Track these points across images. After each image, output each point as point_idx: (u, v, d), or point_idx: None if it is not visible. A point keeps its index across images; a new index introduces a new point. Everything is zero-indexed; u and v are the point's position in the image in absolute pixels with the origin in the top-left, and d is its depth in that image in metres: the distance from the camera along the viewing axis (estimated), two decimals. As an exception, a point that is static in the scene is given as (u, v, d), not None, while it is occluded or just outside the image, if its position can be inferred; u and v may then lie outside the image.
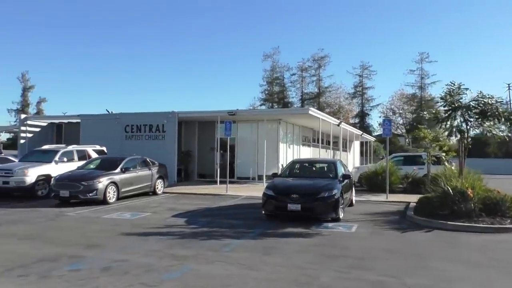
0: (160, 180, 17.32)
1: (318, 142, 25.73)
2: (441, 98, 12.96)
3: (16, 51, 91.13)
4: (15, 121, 57.09)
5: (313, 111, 21.70)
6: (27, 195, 15.39)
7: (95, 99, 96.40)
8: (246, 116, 23.26)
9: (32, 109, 65.37)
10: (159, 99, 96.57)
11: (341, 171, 12.67)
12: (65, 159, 17.00)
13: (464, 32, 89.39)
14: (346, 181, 12.13)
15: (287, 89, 66.68)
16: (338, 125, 25.39)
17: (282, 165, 21.68)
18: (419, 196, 13.62)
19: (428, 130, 18.31)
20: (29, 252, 7.54)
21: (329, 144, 26.68)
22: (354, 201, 14.13)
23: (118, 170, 15.00)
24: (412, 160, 20.91)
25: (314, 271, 6.44)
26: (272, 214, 11.18)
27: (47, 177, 15.69)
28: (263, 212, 11.30)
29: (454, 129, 13.03)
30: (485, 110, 12.15)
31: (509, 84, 62.14)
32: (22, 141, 24.96)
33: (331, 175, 12.25)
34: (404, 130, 62.50)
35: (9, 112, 66.27)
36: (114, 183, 14.47)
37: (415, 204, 12.92)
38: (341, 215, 11.07)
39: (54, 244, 8.19)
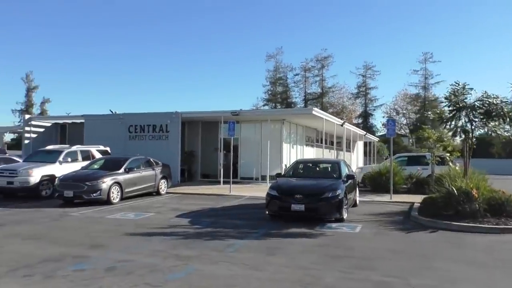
0: (164, 180, 17.34)
1: (321, 142, 25.70)
2: (446, 98, 12.92)
3: (20, 51, 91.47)
4: (19, 122, 57.23)
5: (316, 111, 21.69)
6: (31, 195, 15.44)
7: (98, 99, 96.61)
8: (249, 116, 23.27)
9: (36, 110, 65.57)
10: (162, 100, 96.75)
11: (345, 171, 12.65)
12: (69, 159, 17.06)
13: (468, 32, 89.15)
14: (350, 181, 12.11)
15: (290, 89, 66.74)
16: (342, 125, 25.35)
17: (285, 165, 21.65)
18: (423, 196, 13.59)
19: (432, 130, 18.26)
20: (33, 252, 7.56)
21: (332, 144, 26.73)
22: (358, 202, 14.10)
23: (122, 170, 15.03)
24: (416, 161, 20.84)
25: (318, 272, 6.43)
26: (275, 215, 11.16)
27: (51, 177, 15.74)
28: (267, 212, 11.28)
29: (458, 129, 13.00)
30: (490, 110, 12.11)
31: (513, 84, 61.76)
32: (26, 141, 25.04)
33: (335, 175, 12.22)
34: (407, 130, 62.38)
35: (13, 113, 66.45)
36: (118, 183, 14.50)
37: (419, 204, 12.88)
38: (345, 216, 11.05)
39: (58, 244, 8.21)
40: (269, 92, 66.49)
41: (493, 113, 12.11)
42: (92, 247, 8.01)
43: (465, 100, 12.54)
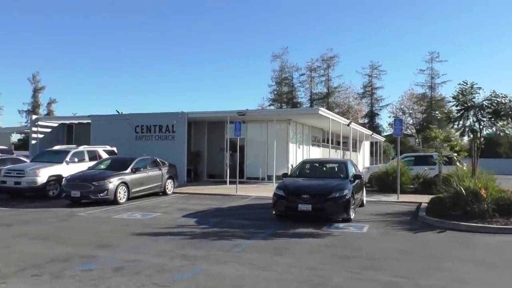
0: (170, 181, 17.36)
1: (327, 142, 25.64)
2: (454, 98, 12.84)
3: (26, 52, 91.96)
4: (26, 122, 57.54)
5: (323, 111, 21.65)
6: (39, 195, 15.52)
7: (104, 99, 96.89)
8: (255, 116, 23.27)
9: (42, 110, 65.84)
10: (168, 100, 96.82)
11: (352, 171, 12.60)
12: (76, 160, 17.13)
13: (475, 31, 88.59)
14: (357, 181, 12.07)
15: (296, 89, 66.58)
16: (348, 125, 25.27)
17: (291, 165, 21.63)
18: (430, 196, 13.52)
19: (439, 130, 18.17)
20: (41, 252, 7.59)
21: (338, 144, 26.67)
22: (365, 202, 14.05)
23: (128, 170, 15.07)
24: (423, 160, 20.74)
25: (326, 272, 6.40)
26: (282, 215, 11.14)
27: (58, 178, 15.81)
28: (274, 212, 11.26)
29: (466, 129, 12.91)
30: (498, 110, 12.04)
31: (521, 83, 61.49)
32: (33, 141, 25.18)
33: (342, 175, 12.18)
34: (414, 130, 62.11)
35: (20, 113, 66.70)
36: (124, 183, 14.53)
37: (426, 204, 12.81)
38: (352, 216, 11.00)
39: (65, 244, 8.23)
40: (275, 92, 66.42)
41: (502, 113, 12.04)
42: (100, 247, 8.03)
43: (473, 100, 12.47)
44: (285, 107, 61.74)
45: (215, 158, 24.26)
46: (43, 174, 15.59)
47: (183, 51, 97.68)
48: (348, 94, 63.23)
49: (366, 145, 41.27)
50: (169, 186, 17.26)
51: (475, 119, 12.69)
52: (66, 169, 16.15)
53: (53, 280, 5.93)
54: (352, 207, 10.96)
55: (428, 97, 61.66)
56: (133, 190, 14.96)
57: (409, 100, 63.27)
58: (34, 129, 25.45)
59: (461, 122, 12.97)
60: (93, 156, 18.00)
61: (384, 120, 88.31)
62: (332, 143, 25.79)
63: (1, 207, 13.49)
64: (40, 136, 25.47)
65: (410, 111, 63.72)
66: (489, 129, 13.27)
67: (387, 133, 57.11)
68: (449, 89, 72.27)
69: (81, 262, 6.85)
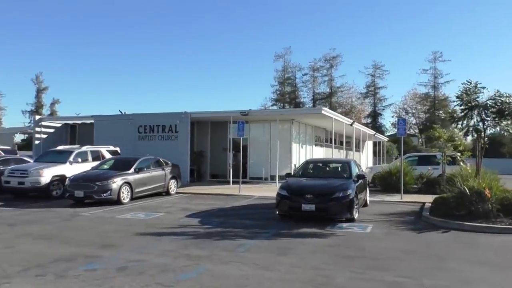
0: (173, 180, 17.37)
1: (331, 142, 25.61)
2: (457, 97, 12.80)
3: (29, 53, 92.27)
4: (29, 122, 57.77)
5: (326, 111, 21.61)
6: (42, 195, 15.55)
7: (106, 100, 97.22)
8: (258, 116, 23.27)
9: (46, 111, 66.09)
10: (170, 100, 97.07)
11: (355, 171, 12.57)
12: (79, 160, 17.15)
13: (479, 31, 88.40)
14: (360, 181, 12.03)
15: (298, 89, 66.62)
16: (351, 125, 25.24)
17: (294, 165, 21.62)
18: (434, 196, 13.49)
19: (443, 129, 18.12)
20: (44, 252, 7.60)
21: (342, 144, 26.57)
22: (368, 202, 14.02)
23: (132, 170, 15.08)
24: (426, 160, 20.68)
25: (330, 272, 6.38)
26: (286, 215, 11.12)
27: (62, 178, 15.84)
28: (277, 212, 11.24)
29: (470, 129, 12.87)
30: (502, 109, 12.00)
31: (525, 83, 61.27)
32: (36, 142, 25.24)
33: (345, 175, 12.16)
34: (417, 130, 61.99)
35: (23, 114, 67.12)
36: (128, 183, 14.54)
37: (430, 204, 12.78)
38: (356, 216, 10.97)
39: (69, 244, 8.24)
40: (278, 92, 66.44)
41: (506, 112, 12.00)
42: (103, 247, 8.03)
43: (477, 99, 12.43)
44: (288, 107, 61.73)
45: (218, 158, 24.26)
46: (47, 174, 15.62)
47: (185, 51, 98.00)
48: (351, 94, 63.30)
49: (369, 145, 41.22)
50: (172, 186, 17.27)
51: (479, 119, 12.65)
52: (69, 169, 16.17)
53: (57, 280, 5.94)
54: (355, 207, 10.93)
55: (431, 96, 61.55)
56: (136, 190, 14.97)
57: (412, 100, 63.21)
58: (37, 129, 25.51)
59: (465, 122, 12.94)
60: (97, 156, 18.02)
61: (387, 120, 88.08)
62: (335, 143, 25.76)
63: (5, 207, 13.53)
64: (44, 136, 25.52)
65: (413, 111, 63.68)
66: (493, 129, 13.25)
67: (390, 133, 56.99)
68: (452, 89, 72.06)
69: (85, 262, 6.85)
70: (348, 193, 10.64)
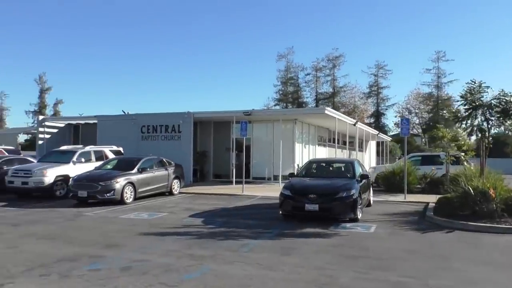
0: (177, 180, 17.37)
1: (334, 142, 25.56)
2: (461, 97, 12.75)
3: (32, 53, 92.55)
4: (32, 123, 57.87)
5: (329, 111, 21.59)
6: (46, 195, 15.59)
7: (107, 100, 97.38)
8: (261, 116, 23.26)
9: (49, 111, 66.25)
10: (173, 100, 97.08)
11: (358, 171, 12.54)
12: (82, 160, 17.18)
13: (482, 30, 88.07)
14: (364, 181, 12.00)
15: (301, 89, 66.57)
16: (355, 125, 25.19)
17: (298, 165, 21.58)
18: (437, 196, 13.44)
19: (447, 129, 18.06)
20: (48, 252, 7.61)
21: (345, 144, 26.59)
22: (371, 202, 13.99)
23: (135, 170, 15.09)
24: (430, 160, 20.61)
25: (333, 272, 6.36)
26: (289, 214, 11.10)
27: (65, 178, 15.86)
28: (280, 212, 11.23)
29: (474, 128, 12.82)
30: (507, 109, 11.95)
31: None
32: (40, 142, 25.30)
33: (348, 175, 12.13)
34: (420, 130, 61.84)
35: (26, 114, 67.27)
36: (131, 183, 14.56)
37: (434, 204, 12.74)
38: (359, 216, 10.95)
39: (73, 244, 8.25)
40: (280, 92, 66.41)
41: (510, 112, 11.95)
42: (107, 247, 8.04)
43: (481, 99, 12.37)
44: (291, 107, 61.70)
45: (221, 158, 24.27)
46: (50, 174, 15.65)
47: (185, 51, 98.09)
48: (354, 94, 63.23)
49: (372, 145, 41.12)
50: (176, 186, 17.27)
51: (483, 118, 12.59)
52: (73, 169, 16.20)
53: (61, 280, 5.94)
54: (359, 207, 10.91)
55: (435, 96, 61.38)
56: (140, 190, 14.98)
57: (415, 100, 63.07)
58: (41, 129, 25.57)
59: (469, 122, 12.89)
60: (100, 156, 18.06)
61: (390, 119, 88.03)
62: (338, 143, 25.70)
63: (8, 207, 13.57)
64: (47, 136, 25.60)
65: (417, 111, 63.55)
66: (497, 129, 13.19)
67: (393, 133, 56.94)
68: (456, 89, 71.78)
69: (89, 262, 6.86)
70: (351, 193, 10.61)
